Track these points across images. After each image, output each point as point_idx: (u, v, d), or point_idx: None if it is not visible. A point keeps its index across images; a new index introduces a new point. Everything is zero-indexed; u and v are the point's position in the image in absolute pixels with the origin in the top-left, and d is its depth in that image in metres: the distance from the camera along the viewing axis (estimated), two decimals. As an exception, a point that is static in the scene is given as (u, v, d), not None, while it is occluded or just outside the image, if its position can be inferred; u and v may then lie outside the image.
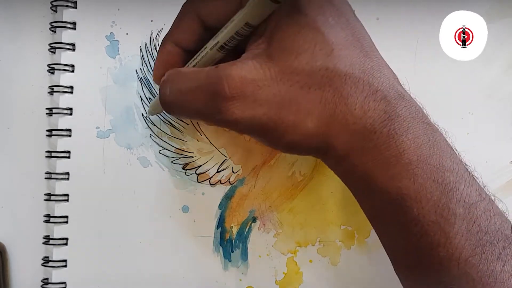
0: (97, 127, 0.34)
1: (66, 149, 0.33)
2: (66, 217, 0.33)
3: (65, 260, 0.33)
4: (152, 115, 0.33)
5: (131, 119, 0.34)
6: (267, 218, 0.34)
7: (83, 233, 0.33)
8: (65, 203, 0.33)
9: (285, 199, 0.34)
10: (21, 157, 0.34)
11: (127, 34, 0.34)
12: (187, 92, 0.23)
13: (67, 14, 0.33)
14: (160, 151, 0.34)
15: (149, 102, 0.34)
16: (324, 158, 0.25)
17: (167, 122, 0.34)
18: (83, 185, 0.33)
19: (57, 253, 0.33)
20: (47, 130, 0.34)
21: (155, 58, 0.33)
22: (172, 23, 0.26)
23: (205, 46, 0.25)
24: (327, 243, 0.34)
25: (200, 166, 0.34)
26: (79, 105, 0.34)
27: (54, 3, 0.34)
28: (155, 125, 0.34)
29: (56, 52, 0.34)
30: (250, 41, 0.24)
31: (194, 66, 0.26)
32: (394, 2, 0.33)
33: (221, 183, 0.34)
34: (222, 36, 0.24)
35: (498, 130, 0.33)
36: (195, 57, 0.26)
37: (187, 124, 0.34)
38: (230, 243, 0.34)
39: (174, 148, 0.34)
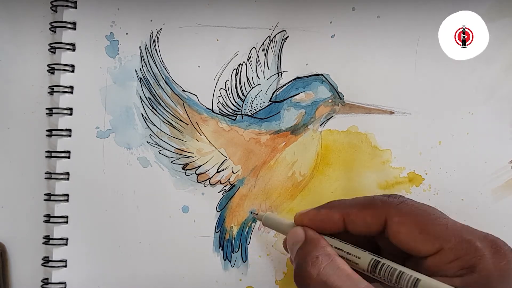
0: (97, 127, 0.34)
1: (66, 149, 0.33)
2: (66, 217, 0.33)
3: (65, 260, 0.33)
4: (264, 224, 0.29)
5: (130, 119, 0.34)
6: (267, 218, 0.34)
7: (83, 233, 0.33)
8: (65, 203, 0.33)
9: (285, 199, 0.34)
10: (21, 157, 0.34)
11: (126, 34, 0.34)
12: None
13: (67, 14, 0.34)
14: (160, 151, 0.34)
15: (148, 102, 0.34)
16: None
17: (167, 122, 0.34)
18: (83, 185, 0.34)
19: (57, 253, 0.33)
20: (47, 130, 0.34)
21: (160, 62, 0.33)
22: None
23: (359, 256, 0.24)
24: (327, 243, 0.34)
25: (200, 166, 0.34)
26: (79, 105, 0.34)
27: (54, 3, 0.34)
28: (154, 125, 0.34)
29: (56, 52, 0.34)
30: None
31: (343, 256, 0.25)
32: (395, 1, 0.33)
33: (221, 183, 0.34)
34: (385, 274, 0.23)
35: (498, 130, 0.33)
36: (346, 250, 0.25)
37: (187, 124, 0.34)
38: (230, 243, 0.34)
39: (174, 148, 0.34)
